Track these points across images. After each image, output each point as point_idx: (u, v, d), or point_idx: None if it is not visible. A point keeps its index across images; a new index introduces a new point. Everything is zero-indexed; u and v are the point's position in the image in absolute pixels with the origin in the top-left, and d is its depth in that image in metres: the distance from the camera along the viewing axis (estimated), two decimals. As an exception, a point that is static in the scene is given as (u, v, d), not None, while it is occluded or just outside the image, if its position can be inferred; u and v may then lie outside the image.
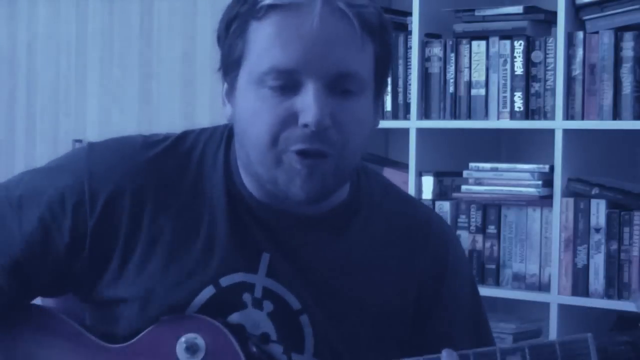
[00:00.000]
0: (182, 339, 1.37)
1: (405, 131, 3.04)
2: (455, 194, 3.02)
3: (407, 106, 3.06)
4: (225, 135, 1.46)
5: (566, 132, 2.80)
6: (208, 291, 1.40)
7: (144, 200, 1.41)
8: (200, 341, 1.37)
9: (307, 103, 1.31)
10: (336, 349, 1.42)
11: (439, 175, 3.05)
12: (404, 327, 1.48)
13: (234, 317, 1.40)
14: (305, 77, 1.32)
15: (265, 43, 1.33)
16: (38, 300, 1.51)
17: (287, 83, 1.32)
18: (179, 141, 1.46)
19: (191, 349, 1.36)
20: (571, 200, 2.79)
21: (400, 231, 1.49)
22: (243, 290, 1.41)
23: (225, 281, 1.40)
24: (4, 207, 1.43)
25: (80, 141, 3.67)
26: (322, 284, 1.43)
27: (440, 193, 3.06)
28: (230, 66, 1.37)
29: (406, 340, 1.48)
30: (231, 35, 1.36)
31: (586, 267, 2.78)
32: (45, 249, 1.41)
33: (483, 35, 2.97)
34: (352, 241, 1.46)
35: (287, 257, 1.42)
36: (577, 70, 2.80)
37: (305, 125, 1.31)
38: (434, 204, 3.00)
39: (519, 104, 2.89)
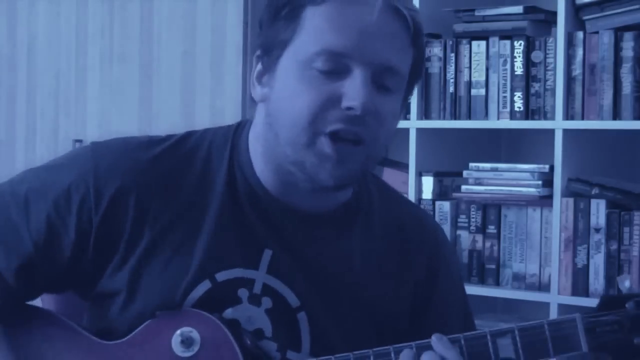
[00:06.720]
0: (178, 332, 1.37)
1: (405, 131, 3.03)
2: (455, 194, 3.01)
3: (407, 106, 3.05)
4: (232, 132, 1.48)
5: (566, 132, 2.80)
6: (204, 286, 1.40)
7: (148, 197, 1.42)
8: (195, 335, 1.37)
9: (355, 87, 1.35)
10: (334, 347, 1.42)
11: (439, 175, 3.05)
12: (402, 324, 1.50)
13: (228, 312, 1.41)
14: (354, 63, 1.35)
15: (321, 25, 1.36)
16: (37, 302, 1.51)
17: (335, 67, 1.36)
18: (183, 140, 1.48)
19: (186, 342, 1.37)
20: (571, 200, 2.79)
21: (397, 231, 1.52)
22: (239, 286, 1.41)
23: (221, 276, 1.41)
24: (11, 206, 1.43)
25: (80, 141, 3.67)
26: (324, 281, 1.44)
27: (440, 193, 3.05)
28: (273, 48, 1.39)
29: (404, 337, 1.47)
30: (282, 17, 1.38)
31: (586, 267, 2.77)
32: (53, 247, 1.41)
33: (483, 35, 2.96)
34: (354, 240, 1.48)
35: (289, 254, 1.43)
36: (577, 70, 2.80)
37: (349, 108, 1.35)
38: (434, 204, 3.00)
39: (519, 104, 2.89)
